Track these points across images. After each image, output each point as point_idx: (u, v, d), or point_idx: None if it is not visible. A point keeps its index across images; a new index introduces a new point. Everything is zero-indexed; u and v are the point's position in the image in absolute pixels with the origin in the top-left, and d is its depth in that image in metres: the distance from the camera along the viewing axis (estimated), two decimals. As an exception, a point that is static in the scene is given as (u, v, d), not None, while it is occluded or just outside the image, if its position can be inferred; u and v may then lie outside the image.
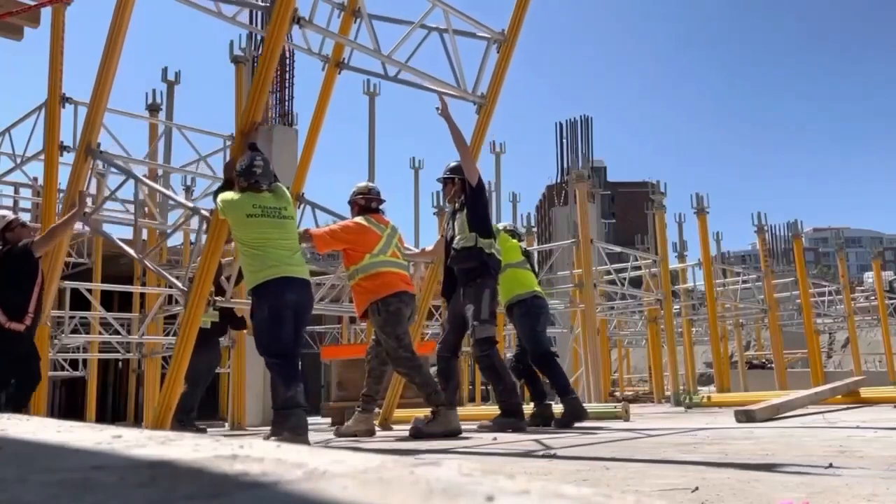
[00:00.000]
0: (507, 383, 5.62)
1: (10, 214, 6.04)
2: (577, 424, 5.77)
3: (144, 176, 9.65)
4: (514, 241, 6.43)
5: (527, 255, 6.55)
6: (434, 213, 16.56)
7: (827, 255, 72.67)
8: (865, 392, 7.78)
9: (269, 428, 4.96)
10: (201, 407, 8.36)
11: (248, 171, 4.85)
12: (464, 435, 5.18)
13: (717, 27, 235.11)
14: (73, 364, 14.12)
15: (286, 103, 17.36)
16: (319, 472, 0.79)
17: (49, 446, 1.30)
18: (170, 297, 11.51)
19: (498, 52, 6.80)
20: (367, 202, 5.82)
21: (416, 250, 7.05)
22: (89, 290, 11.93)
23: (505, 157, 18.62)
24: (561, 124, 40.93)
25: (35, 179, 11.52)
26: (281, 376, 4.68)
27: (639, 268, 14.38)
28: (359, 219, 5.72)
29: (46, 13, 6.38)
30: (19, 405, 5.31)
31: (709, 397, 9.45)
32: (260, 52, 6.18)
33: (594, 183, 20.88)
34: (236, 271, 6.93)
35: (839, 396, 7.58)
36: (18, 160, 9.06)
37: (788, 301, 19.36)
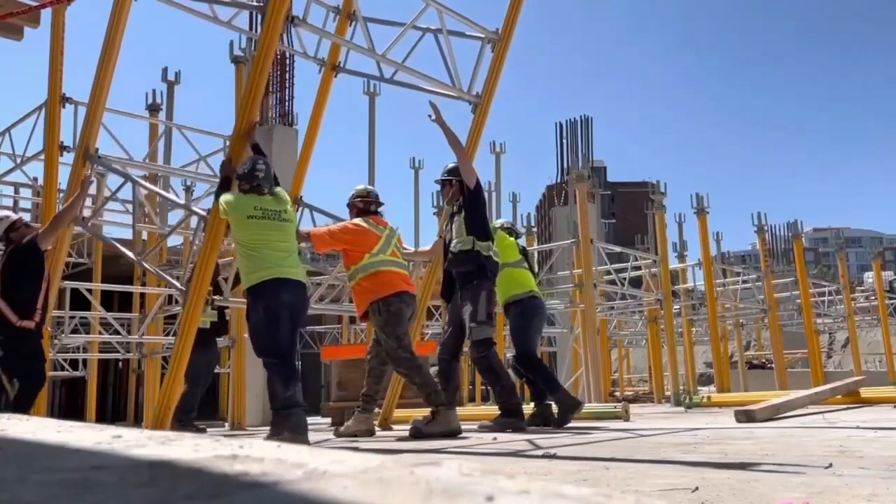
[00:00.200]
0: (505, 384, 5.62)
1: (13, 215, 6.05)
2: (577, 424, 5.77)
3: (144, 177, 9.66)
4: (511, 239, 6.43)
5: (524, 253, 6.55)
6: (434, 214, 16.58)
7: (827, 255, 72.68)
8: (865, 392, 7.78)
9: (269, 428, 4.95)
10: (201, 407, 8.35)
11: (251, 174, 4.91)
12: (464, 435, 5.18)
13: (718, 27, 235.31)
14: (73, 364, 14.12)
15: (286, 103, 17.35)
16: (319, 472, 0.79)
17: (49, 446, 1.30)
18: (170, 297, 11.51)
19: (492, 52, 6.83)
20: (365, 205, 5.84)
21: (414, 249, 7.06)
22: (89, 290, 11.95)
23: (505, 157, 18.65)
24: (561, 124, 40.86)
25: (35, 179, 11.53)
26: (279, 376, 4.69)
27: (639, 268, 14.38)
28: (357, 220, 5.75)
29: (46, 13, 6.38)
30: (23, 406, 5.28)
31: (709, 397, 9.45)
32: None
33: (594, 183, 20.86)
34: (234, 272, 6.94)
35: (839, 396, 7.58)
36: (18, 160, 9.06)
37: (788, 301, 19.36)
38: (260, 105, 5.95)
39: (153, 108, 11.73)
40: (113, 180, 6.81)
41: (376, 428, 6.14)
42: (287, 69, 17.77)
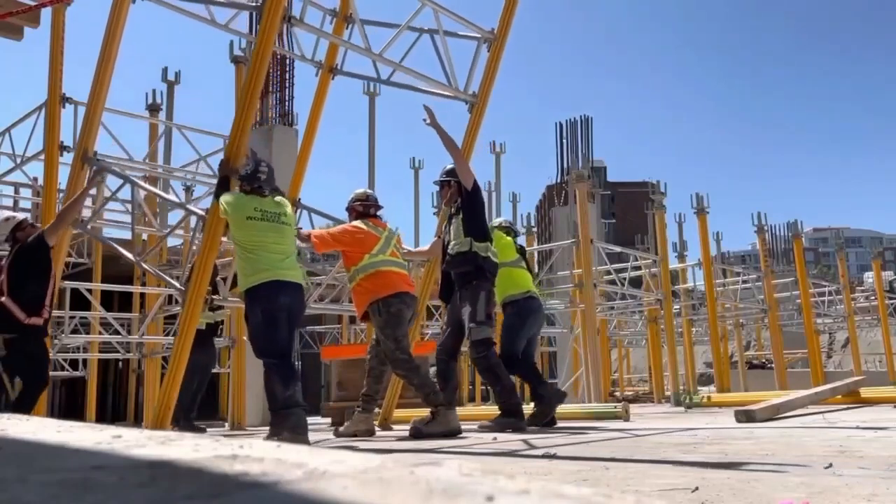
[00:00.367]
0: (505, 384, 5.62)
1: (20, 215, 6.08)
2: (577, 424, 5.78)
3: (144, 178, 9.66)
4: (509, 238, 6.44)
5: (522, 252, 6.56)
6: (434, 214, 16.57)
7: (827, 255, 72.67)
8: (865, 392, 7.78)
9: (269, 428, 4.96)
10: (201, 407, 8.36)
11: (253, 175, 4.94)
12: (464, 435, 5.19)
13: (718, 27, 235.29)
14: (73, 364, 14.12)
15: (286, 103, 17.34)
16: (319, 472, 0.79)
17: (49, 446, 1.30)
18: (170, 297, 11.51)
19: (488, 51, 6.85)
20: (364, 208, 5.85)
21: (412, 249, 7.06)
22: (89, 290, 11.95)
23: (505, 157, 18.66)
24: (561, 124, 40.83)
25: (35, 179, 11.52)
26: (279, 376, 4.70)
27: (639, 268, 14.38)
28: (357, 222, 5.76)
29: (46, 13, 6.39)
30: (26, 407, 5.27)
31: (709, 397, 9.45)
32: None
33: (594, 183, 20.85)
34: (233, 272, 6.95)
35: (839, 396, 7.58)
36: (18, 160, 9.07)
37: (788, 301, 19.36)
38: (258, 105, 5.96)
39: (153, 108, 11.73)
40: (113, 181, 6.82)
41: (376, 428, 6.14)
42: (287, 69, 17.76)
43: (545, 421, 5.85)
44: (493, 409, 6.49)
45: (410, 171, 16.97)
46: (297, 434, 4.52)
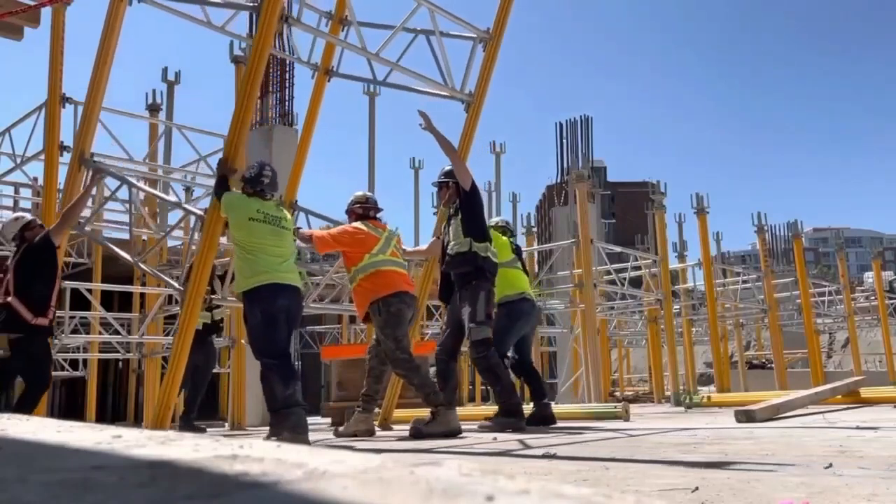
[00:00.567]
0: (505, 384, 5.63)
1: (28, 215, 6.11)
2: (577, 424, 5.78)
3: (143, 179, 9.66)
4: (505, 238, 6.44)
5: (518, 252, 6.55)
6: (434, 214, 16.55)
7: (827, 255, 72.66)
8: (865, 392, 7.78)
9: (268, 428, 4.96)
10: (201, 407, 8.36)
11: (258, 178, 5.00)
12: (464, 435, 5.19)
13: (718, 27, 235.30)
14: (73, 364, 14.12)
15: (286, 103, 17.33)
16: (319, 472, 0.79)
17: (49, 446, 1.30)
18: (170, 297, 11.50)
19: (484, 51, 6.85)
20: (364, 210, 5.86)
21: (410, 248, 7.06)
22: (89, 290, 11.93)
23: (505, 157, 18.66)
24: (561, 124, 40.79)
25: (35, 179, 11.52)
26: (279, 376, 4.70)
27: (639, 268, 14.38)
28: (357, 224, 5.78)
29: (46, 13, 6.39)
30: (27, 408, 5.26)
31: (709, 397, 9.45)
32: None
33: (594, 183, 20.84)
34: (231, 273, 6.96)
35: (839, 396, 7.58)
36: (18, 160, 9.06)
37: (788, 301, 19.36)
38: (256, 105, 5.97)
39: (153, 108, 11.73)
40: (112, 181, 6.82)
41: (376, 428, 6.14)
42: (287, 69, 17.75)
43: (544, 421, 5.86)
44: (493, 409, 6.49)
45: (410, 171, 16.99)
46: (297, 434, 4.53)
